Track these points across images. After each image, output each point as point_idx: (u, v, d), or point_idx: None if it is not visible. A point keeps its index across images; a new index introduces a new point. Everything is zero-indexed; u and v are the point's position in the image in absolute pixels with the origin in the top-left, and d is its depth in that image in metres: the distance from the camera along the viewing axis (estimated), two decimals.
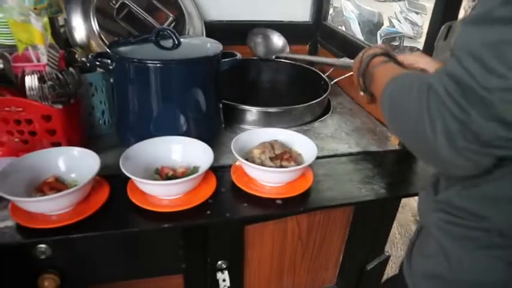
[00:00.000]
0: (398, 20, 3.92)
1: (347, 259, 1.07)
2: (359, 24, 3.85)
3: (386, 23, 3.99)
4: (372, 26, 3.92)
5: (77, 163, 0.73)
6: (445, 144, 0.42)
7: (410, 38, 3.92)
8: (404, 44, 3.90)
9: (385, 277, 1.29)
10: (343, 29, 1.52)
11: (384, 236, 1.14)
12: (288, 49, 1.31)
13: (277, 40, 1.31)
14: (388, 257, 1.18)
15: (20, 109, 0.75)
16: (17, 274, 0.72)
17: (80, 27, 1.03)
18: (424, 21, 3.95)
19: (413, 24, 3.92)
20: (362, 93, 0.77)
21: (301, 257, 1.00)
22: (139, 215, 0.68)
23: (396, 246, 2.08)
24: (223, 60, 0.83)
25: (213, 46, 0.84)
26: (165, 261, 0.82)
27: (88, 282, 0.79)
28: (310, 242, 0.98)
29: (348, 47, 1.24)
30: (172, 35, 0.80)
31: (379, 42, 3.95)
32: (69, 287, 0.76)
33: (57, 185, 0.70)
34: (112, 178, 0.74)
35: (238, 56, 0.85)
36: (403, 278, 0.63)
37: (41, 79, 0.75)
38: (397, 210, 1.10)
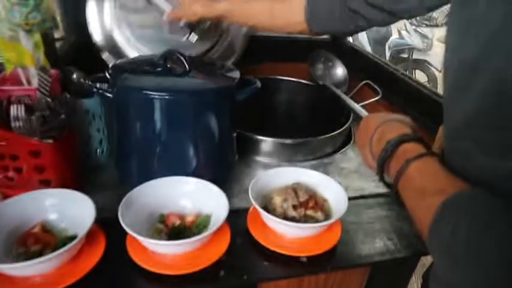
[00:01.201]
0: (408, 32, 3.83)
1: None
2: (367, 35, 3.76)
3: (395, 35, 3.89)
4: (380, 37, 3.82)
5: (69, 209, 0.62)
6: None
7: (420, 50, 3.82)
8: (414, 57, 3.80)
9: None
10: (351, 40, 1.45)
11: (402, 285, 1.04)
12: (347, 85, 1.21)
13: (341, 71, 1.23)
14: None
15: (3, 143, 0.65)
16: None
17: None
18: (434, 34, 3.86)
19: (423, 36, 3.83)
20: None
21: None
22: (139, 277, 0.58)
23: None
24: (240, 89, 0.72)
25: (228, 71, 0.74)
26: None
27: None
28: None
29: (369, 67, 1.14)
30: (182, 59, 0.69)
31: (388, 53, 3.84)
32: None
33: (44, 236, 0.60)
34: (110, 224, 0.63)
35: (258, 84, 0.75)
36: None
37: (29, 109, 0.65)
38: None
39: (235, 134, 0.80)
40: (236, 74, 0.73)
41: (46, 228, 0.62)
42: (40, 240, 0.59)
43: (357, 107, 0.95)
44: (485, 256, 0.34)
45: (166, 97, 0.63)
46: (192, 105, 0.66)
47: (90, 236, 0.62)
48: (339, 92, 1.05)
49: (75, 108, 0.73)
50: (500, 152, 0.41)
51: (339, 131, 0.91)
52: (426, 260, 0.81)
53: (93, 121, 0.78)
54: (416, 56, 3.82)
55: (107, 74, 0.68)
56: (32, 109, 0.66)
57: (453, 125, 0.48)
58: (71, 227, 0.62)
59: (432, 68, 3.81)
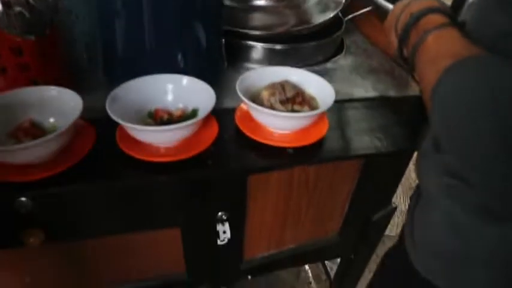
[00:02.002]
0: None
1: (352, 209, 1.01)
2: None
3: None
4: None
5: (57, 105, 0.63)
6: None
7: None
8: None
9: (387, 231, 1.25)
10: None
11: (393, 186, 1.08)
12: None
13: None
14: (395, 209, 1.12)
15: None
16: None
17: None
18: None
19: None
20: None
21: (306, 207, 0.94)
22: (130, 166, 0.60)
23: (397, 197, 2.04)
24: None
25: None
26: (161, 214, 0.74)
27: (76, 237, 0.72)
28: (317, 191, 0.91)
29: None
30: None
31: None
32: (56, 241, 0.69)
33: (34, 130, 0.61)
34: (99, 122, 0.64)
35: None
36: (405, 252, 0.54)
37: (6, 4, 0.62)
38: (410, 160, 1.03)
39: (223, 40, 0.78)
40: None
41: (35, 123, 0.62)
42: (30, 133, 0.60)
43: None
44: (479, 111, 0.33)
45: None
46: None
47: (80, 130, 0.63)
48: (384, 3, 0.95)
49: (57, 7, 0.71)
50: None
51: (330, 38, 0.90)
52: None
53: (77, 22, 0.76)
54: None
55: None
56: (10, 4, 0.63)
57: None
58: (60, 122, 0.62)
59: None
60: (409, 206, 0.57)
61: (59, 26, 0.71)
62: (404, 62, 0.54)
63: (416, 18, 0.49)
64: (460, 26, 0.45)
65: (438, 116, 0.39)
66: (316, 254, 1.09)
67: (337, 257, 1.25)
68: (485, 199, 0.40)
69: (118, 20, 0.66)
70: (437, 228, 0.47)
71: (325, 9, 0.92)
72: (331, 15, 0.90)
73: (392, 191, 1.08)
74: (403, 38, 0.51)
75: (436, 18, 0.47)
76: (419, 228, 0.52)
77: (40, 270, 0.76)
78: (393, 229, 1.80)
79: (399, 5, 0.56)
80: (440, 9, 0.48)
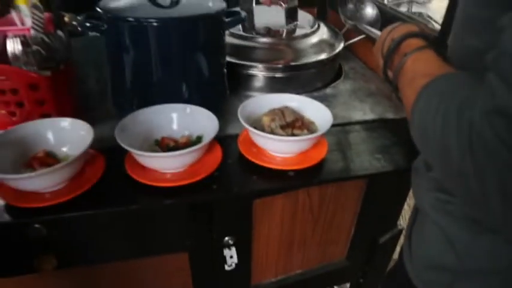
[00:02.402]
0: None
1: (359, 232, 1.02)
2: None
3: None
4: None
5: (69, 135, 0.67)
6: (500, 204, 0.32)
7: (419, 3, 3.72)
8: (413, 10, 3.71)
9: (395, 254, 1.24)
10: None
11: (397, 208, 1.09)
12: (379, 24, 1.12)
13: (371, 10, 1.14)
14: (401, 231, 1.13)
15: (3, 77, 0.68)
16: (11, 256, 0.67)
17: None
18: None
19: None
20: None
21: (312, 231, 0.95)
22: (139, 191, 0.62)
23: (404, 218, 2.03)
24: (227, 19, 0.75)
25: (215, 4, 0.75)
26: (169, 239, 0.77)
27: (87, 262, 0.74)
28: (322, 215, 0.92)
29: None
30: None
31: None
32: (67, 267, 0.71)
33: (48, 159, 0.64)
34: (108, 152, 0.68)
35: (243, 14, 0.77)
36: (403, 267, 0.55)
37: (25, 43, 0.68)
38: None
39: (225, 69, 0.83)
40: (222, 5, 0.74)
41: (49, 153, 0.66)
42: (45, 162, 0.63)
43: None
44: (447, 128, 0.35)
45: (155, 24, 0.66)
46: (182, 33, 0.69)
47: (90, 159, 0.66)
48: (373, 30, 0.98)
49: (69, 45, 0.76)
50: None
51: (327, 66, 0.94)
52: None
53: (89, 59, 0.81)
54: (415, 8, 3.73)
55: (98, 9, 0.70)
56: (28, 43, 0.68)
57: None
58: (72, 151, 0.66)
59: (432, 21, 3.72)
60: (408, 222, 0.58)
61: (72, 63, 0.76)
62: (389, 83, 0.57)
63: (397, 43, 0.53)
64: (438, 48, 0.49)
65: (415, 133, 0.41)
66: (324, 279, 1.09)
67: (346, 281, 1.24)
68: (470, 212, 0.42)
69: (126, 56, 0.71)
70: (432, 242, 0.48)
71: (320, 51, 0.97)
72: (325, 57, 0.95)
73: (397, 212, 1.09)
74: (387, 62, 0.56)
75: (415, 42, 0.51)
76: (416, 243, 0.53)
77: None
78: None
79: (385, 31, 0.60)
80: (418, 34, 0.52)
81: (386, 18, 1.07)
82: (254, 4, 0.99)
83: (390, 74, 0.56)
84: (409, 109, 0.43)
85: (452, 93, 0.37)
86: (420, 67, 0.47)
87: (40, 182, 0.59)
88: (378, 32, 0.88)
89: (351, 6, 1.13)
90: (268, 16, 1.04)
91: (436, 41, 0.53)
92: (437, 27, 1.08)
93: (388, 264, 1.17)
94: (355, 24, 1.04)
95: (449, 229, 0.45)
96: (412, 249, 0.53)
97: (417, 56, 0.49)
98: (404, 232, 0.63)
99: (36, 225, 0.63)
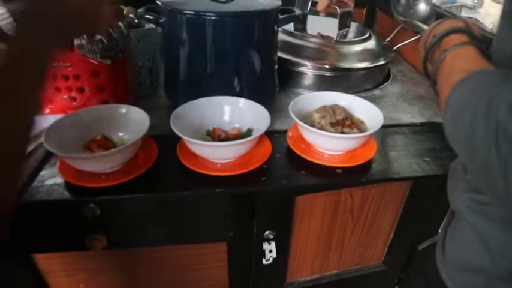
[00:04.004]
0: None
1: (398, 237, 1.00)
2: None
3: None
4: None
5: (125, 121, 0.70)
6: None
7: (470, 8, 3.59)
8: (462, 14, 3.58)
9: None
10: None
11: (440, 215, 1.06)
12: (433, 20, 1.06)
13: (424, 6, 1.11)
14: None
15: (68, 64, 0.72)
16: (65, 232, 0.71)
17: None
18: None
19: None
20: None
21: (351, 232, 0.94)
22: (190, 178, 0.64)
23: None
24: (281, 16, 0.76)
25: (271, 1, 0.77)
26: (212, 228, 0.78)
27: (133, 244, 0.76)
28: (362, 217, 0.92)
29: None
30: None
31: None
32: (114, 247, 0.74)
33: (106, 143, 0.67)
34: (160, 139, 0.70)
35: (297, 12, 0.78)
36: (436, 269, 0.54)
37: (90, 34, 0.71)
38: None
39: (276, 66, 0.84)
40: (277, 2, 0.75)
41: (107, 138, 0.69)
42: (102, 145, 0.66)
43: None
44: (475, 123, 0.35)
45: (213, 18, 0.68)
46: (238, 27, 0.70)
47: (145, 145, 0.69)
48: (425, 28, 0.97)
49: (128, 36, 0.79)
50: None
51: (377, 64, 0.93)
52: None
53: (144, 50, 0.84)
54: (464, 13, 3.59)
55: (158, 2, 0.73)
56: (92, 34, 0.72)
57: None
58: (128, 136, 0.69)
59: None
60: (443, 224, 0.57)
61: (129, 53, 0.79)
62: (428, 78, 0.57)
63: (440, 38, 0.52)
64: (481, 45, 0.48)
65: (447, 128, 0.42)
66: (359, 282, 1.08)
67: (381, 286, 1.22)
68: (503, 212, 0.41)
69: (182, 48, 0.73)
70: (467, 244, 0.48)
71: (363, 59, 0.96)
72: (365, 65, 0.95)
73: (439, 219, 1.06)
74: (428, 55, 0.55)
75: (457, 38, 0.50)
76: (450, 244, 0.52)
77: (95, 277, 0.81)
78: None
79: (430, 27, 0.60)
80: (462, 29, 0.51)
81: (438, 17, 1.05)
82: (309, 7, 1.00)
83: (430, 68, 0.56)
84: (443, 104, 0.43)
85: (484, 90, 0.37)
86: (458, 63, 0.46)
87: (98, 164, 0.62)
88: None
89: (403, 1, 1.11)
90: (321, 25, 1.05)
91: (482, 38, 0.52)
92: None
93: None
94: (407, 20, 1.02)
95: (484, 230, 0.45)
96: (446, 251, 0.53)
97: (457, 51, 0.48)
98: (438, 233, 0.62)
99: (91, 205, 0.66)
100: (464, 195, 0.48)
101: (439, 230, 1.06)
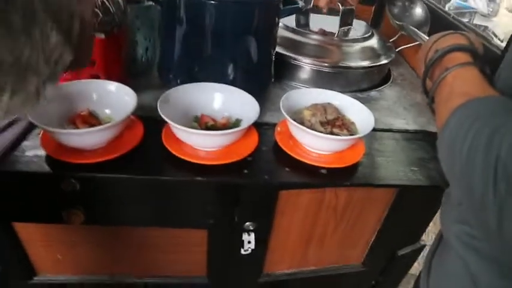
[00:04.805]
0: None
1: (379, 240, 1.00)
2: None
3: None
4: None
5: (113, 99, 0.68)
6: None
7: (484, 15, 3.52)
8: (475, 22, 3.53)
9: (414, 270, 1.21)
10: None
11: (423, 224, 1.06)
12: (428, 26, 1.06)
13: (420, 11, 1.09)
14: (423, 247, 1.10)
15: None
16: (43, 204, 0.70)
17: None
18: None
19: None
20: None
21: (333, 231, 0.94)
22: (172, 163, 0.63)
23: (428, 235, 1.98)
24: (284, 7, 0.74)
25: None
26: (192, 215, 0.78)
27: (112, 222, 0.76)
28: (345, 217, 0.91)
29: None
30: None
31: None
32: (93, 224, 0.73)
33: (91, 119, 0.66)
34: (147, 120, 0.69)
35: (301, 4, 0.76)
36: None
37: None
38: None
39: (273, 56, 0.82)
40: None
41: (92, 114, 0.68)
42: (87, 121, 0.65)
43: None
44: (475, 151, 0.34)
45: (213, 2, 0.66)
46: (238, 14, 0.68)
47: (130, 124, 0.68)
48: (420, 33, 0.92)
49: (126, 10, 0.77)
50: None
51: (377, 64, 0.92)
52: None
53: (141, 27, 0.82)
54: (477, 21, 3.53)
55: None
56: None
57: None
58: (114, 114, 0.68)
59: (495, 39, 3.52)
60: (428, 251, 0.56)
61: (125, 29, 0.77)
62: (426, 94, 0.55)
63: (441, 55, 0.50)
64: (485, 67, 0.46)
65: (442, 150, 0.40)
66: (336, 280, 1.08)
67: (358, 287, 1.23)
68: (492, 251, 0.40)
69: (179, 29, 0.71)
70: (453, 277, 0.46)
71: (362, 58, 0.95)
72: (363, 64, 0.93)
73: (422, 228, 1.06)
74: (428, 72, 0.53)
75: (460, 56, 0.48)
76: (436, 273, 0.51)
77: (72, 250, 0.81)
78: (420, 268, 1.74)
79: (431, 39, 0.57)
80: (465, 47, 0.49)
81: (441, 24, 1.03)
82: (312, 3, 0.98)
83: (429, 84, 0.54)
84: (440, 126, 0.41)
85: (487, 117, 0.36)
86: (459, 85, 0.44)
87: (81, 139, 0.61)
88: (424, 36, 0.85)
89: (399, 4, 1.09)
90: (323, 23, 1.03)
91: (485, 58, 0.50)
92: (500, 43, 1.04)
93: (403, 278, 1.15)
94: (403, 25, 1.01)
95: (474, 267, 0.43)
96: (431, 279, 0.51)
97: (459, 72, 0.46)
98: (422, 255, 0.61)
99: (72, 180, 0.65)
100: (456, 225, 0.46)
101: (423, 240, 1.07)
